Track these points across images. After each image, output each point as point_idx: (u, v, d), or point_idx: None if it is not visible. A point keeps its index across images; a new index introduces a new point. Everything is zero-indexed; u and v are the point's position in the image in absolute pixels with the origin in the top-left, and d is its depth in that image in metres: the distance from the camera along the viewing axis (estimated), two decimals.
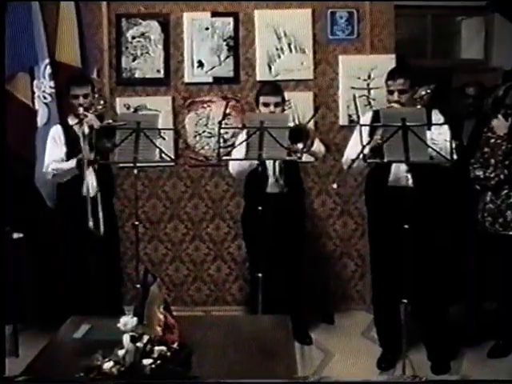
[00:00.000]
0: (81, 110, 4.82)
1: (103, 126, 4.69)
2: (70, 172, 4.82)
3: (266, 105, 4.93)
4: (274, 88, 5.05)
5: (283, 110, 5.03)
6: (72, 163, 4.79)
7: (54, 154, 4.93)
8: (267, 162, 4.88)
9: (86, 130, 4.74)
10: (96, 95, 5.08)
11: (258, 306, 4.65)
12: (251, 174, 4.92)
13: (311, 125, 5.17)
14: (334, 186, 5.66)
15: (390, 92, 4.61)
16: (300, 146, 4.66)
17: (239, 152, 4.69)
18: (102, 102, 5.06)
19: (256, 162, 4.64)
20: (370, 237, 5.02)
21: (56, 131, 5.00)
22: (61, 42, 5.49)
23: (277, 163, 4.97)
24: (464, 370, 4.71)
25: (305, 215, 5.41)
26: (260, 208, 4.57)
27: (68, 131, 4.94)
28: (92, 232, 4.71)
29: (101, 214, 4.75)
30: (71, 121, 4.96)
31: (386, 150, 4.21)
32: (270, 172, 5.00)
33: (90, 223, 4.68)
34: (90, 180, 4.81)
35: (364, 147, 4.20)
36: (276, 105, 4.92)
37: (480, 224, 4.86)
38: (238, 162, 4.93)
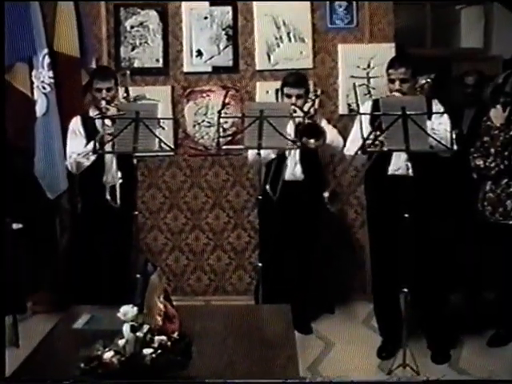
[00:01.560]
0: (103, 103, 4.87)
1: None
2: (89, 156, 4.84)
3: (289, 96, 4.94)
4: (299, 79, 5.04)
5: (306, 102, 4.99)
6: (91, 145, 4.81)
7: (74, 146, 4.94)
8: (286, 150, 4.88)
9: (109, 123, 4.75)
10: (119, 87, 5.09)
11: (258, 295, 4.67)
12: (270, 162, 4.94)
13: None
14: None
15: (392, 81, 4.60)
16: (312, 141, 4.68)
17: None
18: (124, 95, 5.06)
19: (271, 155, 4.67)
20: (370, 226, 5.02)
21: (75, 123, 5.01)
22: (59, 32, 5.46)
23: (297, 151, 4.95)
24: (463, 359, 4.71)
25: (322, 205, 5.38)
26: (275, 196, 4.60)
27: (87, 123, 4.95)
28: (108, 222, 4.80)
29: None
30: (92, 113, 4.99)
31: (386, 139, 4.21)
32: (289, 160, 4.98)
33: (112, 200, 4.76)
34: (112, 169, 4.87)
35: (364, 142, 4.21)
36: (298, 97, 4.92)
37: (480, 213, 4.85)
38: (251, 153, 4.93)
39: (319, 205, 5.21)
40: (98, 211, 4.91)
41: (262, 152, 4.75)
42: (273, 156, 4.82)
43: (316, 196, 5.11)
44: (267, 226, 5.01)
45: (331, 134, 4.89)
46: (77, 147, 4.91)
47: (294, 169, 5.00)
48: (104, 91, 4.90)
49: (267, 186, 4.90)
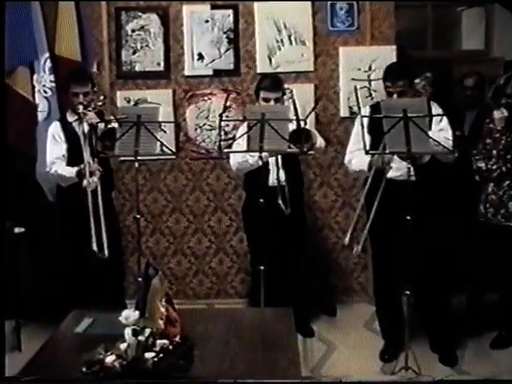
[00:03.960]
0: (80, 108, 4.80)
1: (105, 131, 4.71)
2: (71, 180, 4.80)
3: (266, 100, 4.91)
4: (274, 83, 4.99)
5: (283, 104, 4.99)
6: (73, 172, 4.78)
7: (54, 152, 4.91)
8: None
9: (86, 128, 4.74)
10: (96, 91, 5.07)
11: (260, 298, 4.66)
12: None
13: (312, 116, 5.16)
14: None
15: (389, 93, 4.56)
16: (305, 146, 4.67)
17: (239, 145, 4.69)
18: (101, 98, 5.03)
19: (259, 162, 4.69)
20: (372, 229, 5.00)
21: (55, 129, 4.98)
22: (60, 36, 5.47)
23: (279, 156, 4.94)
24: (466, 362, 4.71)
25: (303, 207, 5.37)
26: (261, 200, 4.58)
27: (67, 128, 4.92)
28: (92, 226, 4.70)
29: (101, 208, 4.72)
30: (70, 117, 4.95)
31: (388, 142, 4.21)
32: (271, 165, 4.97)
33: (91, 218, 4.67)
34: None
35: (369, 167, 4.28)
36: (276, 100, 4.90)
37: (482, 215, 4.85)
38: (237, 160, 4.93)
39: (303, 207, 5.24)
40: (79, 223, 4.78)
41: (251, 160, 4.77)
42: (260, 163, 4.77)
43: (299, 198, 5.13)
44: (254, 231, 5.00)
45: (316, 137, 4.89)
46: (57, 153, 4.88)
47: (277, 174, 4.96)
48: (81, 96, 4.83)
49: (280, 201, 4.89)
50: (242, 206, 5.41)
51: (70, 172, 4.80)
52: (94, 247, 4.59)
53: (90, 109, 4.81)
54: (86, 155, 4.69)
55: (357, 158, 4.64)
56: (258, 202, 4.64)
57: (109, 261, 4.75)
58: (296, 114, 4.81)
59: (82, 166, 4.71)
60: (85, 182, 4.71)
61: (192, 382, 2.84)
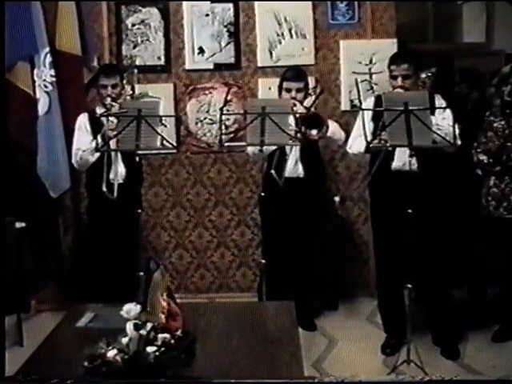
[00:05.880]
0: (108, 99, 4.83)
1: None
2: (91, 153, 4.82)
3: (288, 90, 4.93)
4: (297, 73, 5.03)
5: (306, 97, 5.00)
6: (94, 142, 4.79)
7: (80, 142, 4.92)
8: (286, 146, 4.86)
9: (114, 120, 4.75)
10: (125, 85, 5.09)
11: (262, 292, 4.67)
12: (270, 158, 4.91)
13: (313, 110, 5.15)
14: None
15: (394, 77, 4.58)
16: (314, 132, 4.68)
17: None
18: (130, 92, 5.06)
19: (272, 148, 4.70)
20: (373, 222, 5.01)
21: (83, 119, 5.00)
22: (60, 31, 5.47)
23: (297, 148, 4.94)
24: (468, 355, 4.71)
25: (324, 201, 5.37)
26: (277, 192, 4.68)
27: (94, 120, 4.92)
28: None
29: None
30: (99, 110, 4.96)
31: (389, 135, 4.20)
32: (289, 156, 4.97)
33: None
34: (118, 167, 4.84)
35: (368, 144, 4.22)
36: (298, 90, 4.92)
37: (484, 208, 4.85)
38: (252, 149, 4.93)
39: (321, 201, 5.23)
40: (103, 208, 4.89)
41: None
42: (272, 148, 4.79)
43: (317, 192, 5.12)
44: (269, 223, 5.01)
45: (332, 126, 4.88)
46: (83, 143, 4.89)
47: (294, 166, 4.98)
48: (109, 88, 4.87)
49: (272, 171, 4.87)
50: (258, 197, 5.37)
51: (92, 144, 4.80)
52: None
53: (118, 101, 4.83)
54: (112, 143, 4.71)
55: (357, 142, 4.63)
56: (272, 193, 4.67)
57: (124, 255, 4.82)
58: (313, 103, 4.85)
59: (101, 133, 4.73)
60: (112, 175, 4.78)
61: (194, 376, 2.84)
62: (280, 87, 5.02)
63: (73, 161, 4.98)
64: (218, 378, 2.86)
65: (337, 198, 5.65)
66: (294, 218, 5.00)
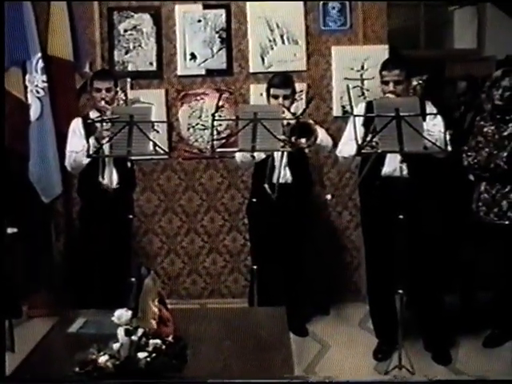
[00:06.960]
0: (102, 103, 4.85)
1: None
2: (82, 156, 4.79)
3: (275, 97, 4.92)
4: (284, 80, 5.02)
5: (293, 102, 5.01)
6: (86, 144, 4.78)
7: (73, 145, 4.91)
8: (275, 153, 4.86)
9: (108, 124, 4.74)
10: (119, 90, 5.09)
11: (253, 298, 4.67)
12: (259, 164, 4.91)
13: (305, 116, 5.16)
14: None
15: (385, 82, 4.59)
16: (303, 140, 4.68)
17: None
18: (123, 97, 5.06)
19: (262, 155, 4.69)
20: (364, 227, 5.02)
21: (76, 124, 4.98)
22: (52, 36, 5.48)
23: (284, 154, 4.94)
24: (459, 360, 4.71)
25: (311, 206, 5.37)
26: (266, 198, 4.65)
27: (88, 124, 4.91)
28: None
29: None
30: (92, 114, 4.95)
31: (380, 141, 4.21)
32: (277, 163, 4.97)
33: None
34: (110, 172, 4.85)
35: (360, 148, 4.23)
36: (285, 97, 4.91)
37: (475, 213, 4.86)
38: (242, 154, 4.93)
39: (309, 206, 5.24)
40: (95, 214, 4.90)
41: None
42: (263, 156, 4.80)
43: (305, 198, 5.13)
44: (258, 229, 5.01)
45: (321, 134, 4.88)
46: (76, 146, 4.87)
47: (282, 172, 4.97)
48: (103, 91, 4.88)
49: (266, 185, 4.87)
50: (247, 203, 5.38)
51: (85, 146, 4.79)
52: None
53: (112, 106, 4.85)
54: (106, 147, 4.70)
55: (347, 146, 4.64)
56: (261, 199, 4.68)
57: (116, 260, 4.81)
58: (304, 110, 4.84)
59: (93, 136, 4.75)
60: (105, 180, 4.81)
61: (185, 382, 2.84)
62: (267, 93, 5.02)
63: (66, 163, 4.97)
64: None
65: (328, 196, 5.65)
66: (283, 224, 5.00)
